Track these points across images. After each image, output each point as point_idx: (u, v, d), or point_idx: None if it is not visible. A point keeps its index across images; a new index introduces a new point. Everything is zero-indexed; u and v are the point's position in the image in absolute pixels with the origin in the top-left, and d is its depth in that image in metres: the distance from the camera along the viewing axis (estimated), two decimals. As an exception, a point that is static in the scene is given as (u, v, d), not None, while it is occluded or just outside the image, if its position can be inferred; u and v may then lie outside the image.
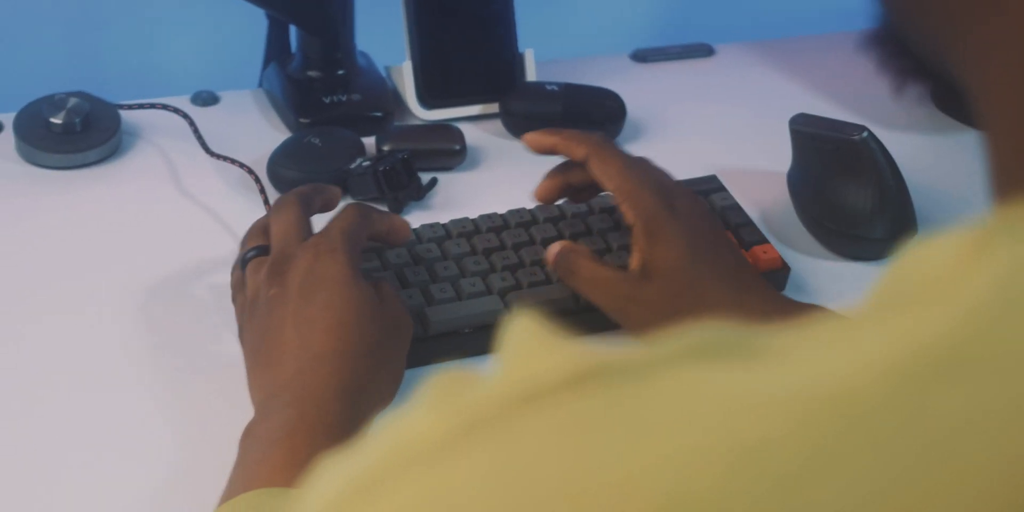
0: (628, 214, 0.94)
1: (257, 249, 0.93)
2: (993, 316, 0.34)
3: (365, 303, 0.86)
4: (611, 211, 1.05)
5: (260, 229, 0.95)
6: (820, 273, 1.08)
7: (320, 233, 0.91)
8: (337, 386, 0.81)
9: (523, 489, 0.33)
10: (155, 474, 0.87)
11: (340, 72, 1.21)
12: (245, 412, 0.89)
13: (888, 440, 0.32)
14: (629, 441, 0.33)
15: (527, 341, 0.37)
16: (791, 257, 1.08)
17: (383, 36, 1.26)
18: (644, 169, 0.97)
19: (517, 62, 1.23)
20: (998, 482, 0.31)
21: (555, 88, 1.20)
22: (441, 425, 0.35)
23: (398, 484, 0.34)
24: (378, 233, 0.95)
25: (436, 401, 0.37)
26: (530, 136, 1.00)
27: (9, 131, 1.17)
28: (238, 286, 0.94)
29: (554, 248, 0.96)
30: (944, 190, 1.17)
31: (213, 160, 1.15)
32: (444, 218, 1.06)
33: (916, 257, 0.37)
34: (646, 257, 0.93)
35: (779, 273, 1.05)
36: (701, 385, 0.34)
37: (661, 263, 0.92)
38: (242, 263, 0.94)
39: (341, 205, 0.97)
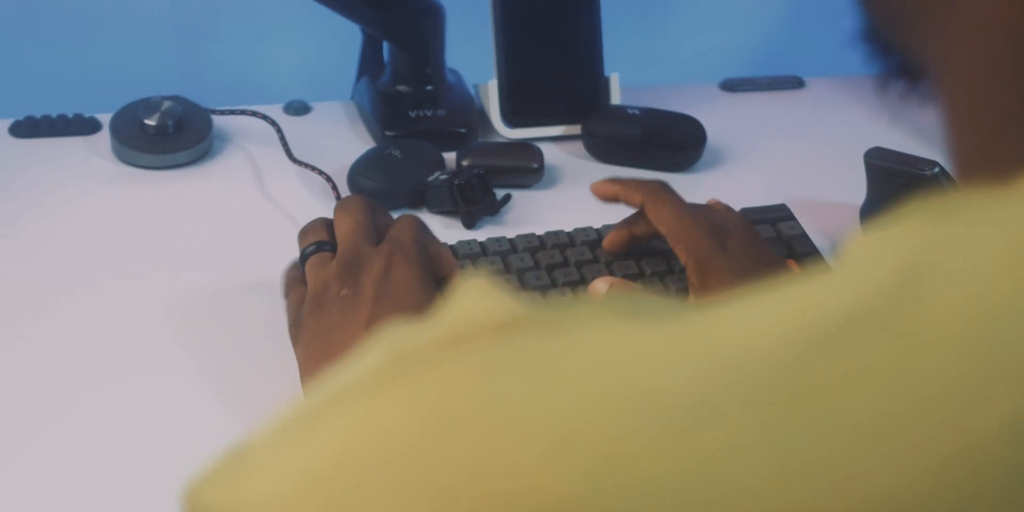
0: (681, 255, 0.96)
1: (318, 245, 0.95)
2: (894, 291, 0.36)
3: None
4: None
5: (320, 226, 0.97)
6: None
7: (393, 240, 0.92)
8: None
9: (435, 424, 0.35)
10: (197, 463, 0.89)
11: (428, 88, 1.24)
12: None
13: (772, 393, 0.34)
14: (533, 384, 0.35)
15: (471, 293, 0.40)
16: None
17: (475, 53, 1.28)
18: (698, 213, 0.99)
19: (602, 85, 1.25)
20: (863, 434, 0.33)
21: (637, 112, 1.22)
22: (378, 364, 0.38)
23: (332, 415, 0.37)
24: (431, 256, 0.95)
25: (379, 345, 0.39)
26: (594, 185, 1.04)
27: (106, 130, 1.21)
28: (293, 283, 0.96)
29: (602, 285, 0.97)
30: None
31: (297, 167, 1.18)
32: (514, 235, 1.08)
33: (855, 241, 0.39)
34: (698, 295, 0.94)
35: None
36: (609, 337, 0.36)
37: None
38: (301, 258, 0.95)
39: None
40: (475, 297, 0.40)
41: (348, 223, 0.94)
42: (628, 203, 1.02)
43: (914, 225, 0.38)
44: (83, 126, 1.23)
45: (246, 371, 0.97)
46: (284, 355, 0.97)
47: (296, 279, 0.96)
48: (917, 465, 0.33)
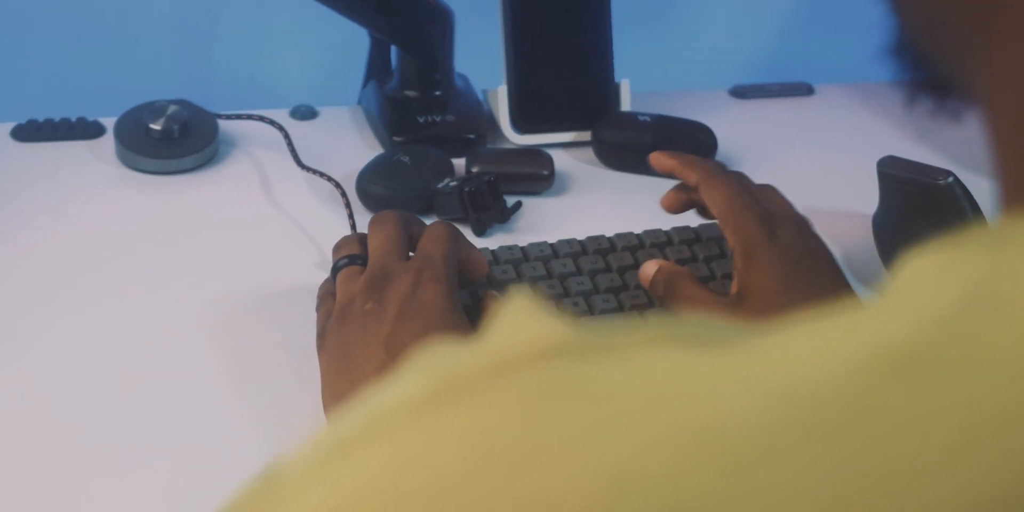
0: (730, 239, 0.96)
1: (350, 258, 0.94)
2: (955, 323, 0.35)
3: (460, 337, 0.86)
4: (690, 243, 1.05)
5: (354, 240, 0.96)
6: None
7: (423, 256, 0.91)
8: None
9: (482, 455, 0.34)
10: (228, 474, 0.88)
11: (437, 93, 1.23)
12: (311, 418, 0.90)
13: (839, 430, 0.33)
14: (586, 415, 0.34)
15: (515, 315, 0.38)
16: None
17: (484, 58, 1.27)
18: (751, 198, 0.98)
19: (612, 92, 1.24)
20: (934, 472, 0.32)
21: (647, 119, 1.21)
22: (420, 389, 0.37)
23: (372, 444, 0.36)
24: (461, 260, 0.95)
25: (420, 368, 0.38)
26: (655, 156, 1.04)
27: (110, 135, 1.20)
28: (326, 296, 0.95)
29: (650, 267, 0.98)
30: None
31: (304, 173, 1.17)
32: (525, 242, 1.06)
33: (911, 265, 0.38)
34: (742, 281, 0.94)
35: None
36: (666, 366, 0.35)
37: (755, 287, 0.93)
38: (333, 271, 0.95)
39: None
40: (521, 320, 0.38)
41: (379, 238, 0.94)
42: (684, 180, 1.02)
43: (972, 253, 0.37)
44: (86, 130, 1.21)
45: (258, 381, 0.96)
46: (299, 365, 0.97)
47: (328, 293, 0.96)
48: (977, 499, 0.32)
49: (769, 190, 1.03)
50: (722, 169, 1.01)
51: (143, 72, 1.42)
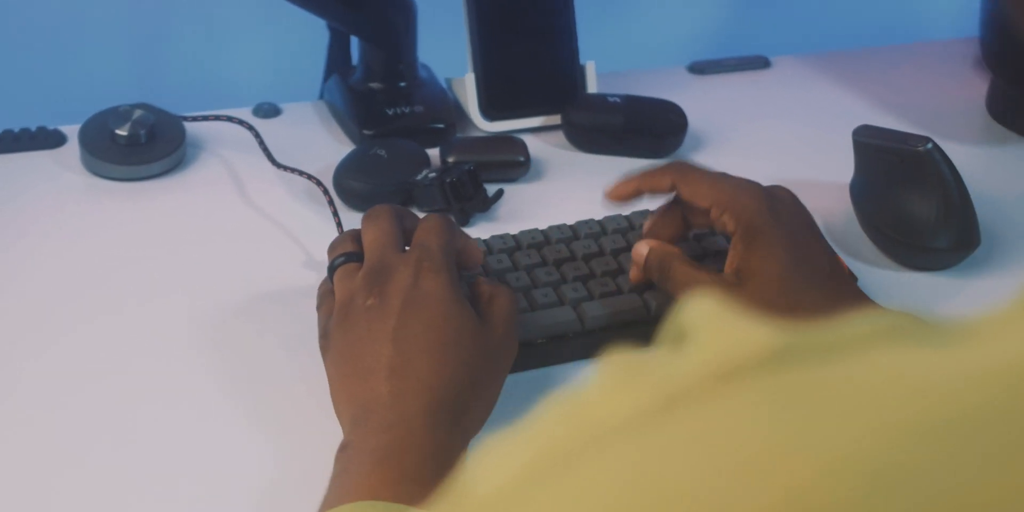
0: (729, 222, 0.93)
1: (347, 256, 0.93)
2: None
3: (467, 326, 0.86)
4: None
5: (349, 237, 0.95)
6: (886, 283, 1.08)
7: (420, 248, 0.90)
8: (438, 410, 0.81)
9: (723, 461, 0.33)
10: (241, 482, 0.88)
11: (402, 84, 1.22)
12: (319, 422, 0.89)
13: None
14: (828, 413, 0.34)
15: (713, 321, 0.38)
16: (856, 267, 1.08)
17: (441, 48, 1.26)
18: (735, 179, 0.97)
19: (579, 74, 1.24)
20: None
21: (617, 100, 1.21)
22: (633, 402, 0.36)
23: (591, 457, 0.35)
24: (457, 250, 0.94)
25: (618, 381, 0.38)
26: (610, 191, 0.99)
27: (73, 143, 1.18)
28: (325, 295, 0.94)
29: (643, 248, 0.96)
30: (1003, 199, 1.17)
31: (277, 171, 1.15)
32: (509, 229, 1.06)
33: None
34: (742, 262, 0.92)
35: (851, 279, 1.05)
36: (896, 364, 0.35)
37: (757, 268, 0.91)
38: (330, 270, 0.93)
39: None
40: (726, 326, 0.38)
41: (374, 232, 0.92)
42: (657, 190, 0.98)
43: None
44: (48, 139, 1.19)
45: (261, 387, 0.95)
46: (301, 367, 0.96)
47: (328, 292, 0.94)
48: None
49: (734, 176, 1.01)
50: (690, 163, 0.99)
51: (95, 77, 1.40)
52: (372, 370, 0.84)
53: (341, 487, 0.77)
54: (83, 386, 0.94)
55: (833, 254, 0.98)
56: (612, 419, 0.36)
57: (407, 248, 0.92)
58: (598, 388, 0.38)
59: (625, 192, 0.98)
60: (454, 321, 0.86)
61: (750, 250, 0.92)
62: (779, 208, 0.94)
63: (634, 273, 0.98)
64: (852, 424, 0.33)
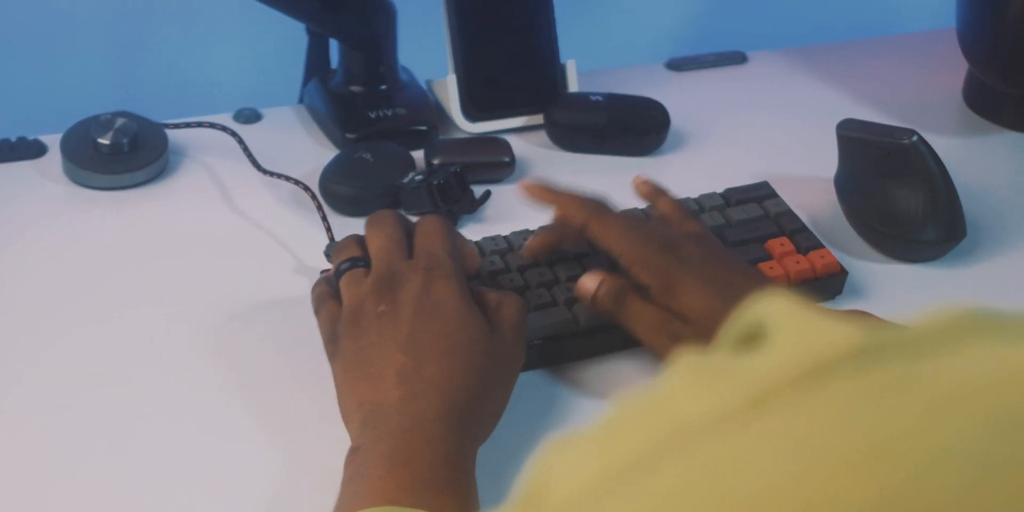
0: (641, 276, 0.93)
1: (351, 261, 0.93)
2: None
3: (478, 333, 0.86)
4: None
5: (353, 242, 0.95)
6: (875, 276, 1.08)
7: (426, 254, 0.90)
8: (450, 416, 0.82)
9: (817, 458, 0.34)
10: (247, 491, 0.87)
11: (382, 87, 1.22)
12: (317, 427, 0.89)
13: None
14: (928, 411, 0.34)
15: (792, 319, 0.39)
16: (844, 260, 1.09)
17: (420, 49, 1.26)
18: (644, 228, 0.97)
19: (560, 73, 1.24)
20: None
21: (600, 99, 1.21)
22: (718, 402, 0.37)
23: (680, 457, 0.35)
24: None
25: (697, 381, 0.38)
26: (528, 185, 1.00)
27: (54, 153, 1.17)
28: (324, 298, 0.94)
29: (591, 282, 0.96)
30: (984, 188, 1.18)
31: (261, 177, 1.15)
32: (497, 230, 1.06)
33: None
34: (675, 308, 0.92)
35: (837, 277, 1.05)
36: (988, 356, 0.35)
37: (690, 310, 0.92)
38: (336, 275, 0.93)
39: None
40: (805, 323, 0.38)
41: (380, 238, 0.92)
42: (566, 221, 0.98)
43: None
44: (28, 150, 1.18)
45: (260, 395, 0.95)
46: (298, 373, 0.96)
47: (326, 295, 0.94)
48: None
49: (636, 184, 1.03)
50: (607, 206, 0.98)
51: (71, 86, 1.39)
52: (383, 375, 0.84)
53: (355, 491, 0.77)
54: (73, 396, 0.94)
55: (754, 270, 0.98)
56: (698, 419, 0.36)
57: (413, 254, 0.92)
58: (675, 389, 0.38)
59: (543, 199, 0.99)
60: (465, 328, 0.86)
61: (673, 296, 0.92)
62: (685, 253, 0.94)
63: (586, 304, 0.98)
64: (952, 416, 0.33)
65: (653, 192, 1.04)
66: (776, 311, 0.39)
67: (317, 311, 0.94)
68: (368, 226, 0.94)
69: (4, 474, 0.88)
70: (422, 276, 0.88)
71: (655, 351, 0.94)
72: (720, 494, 0.34)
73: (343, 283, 0.92)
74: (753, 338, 0.39)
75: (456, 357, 0.84)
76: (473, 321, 0.87)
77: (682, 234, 0.98)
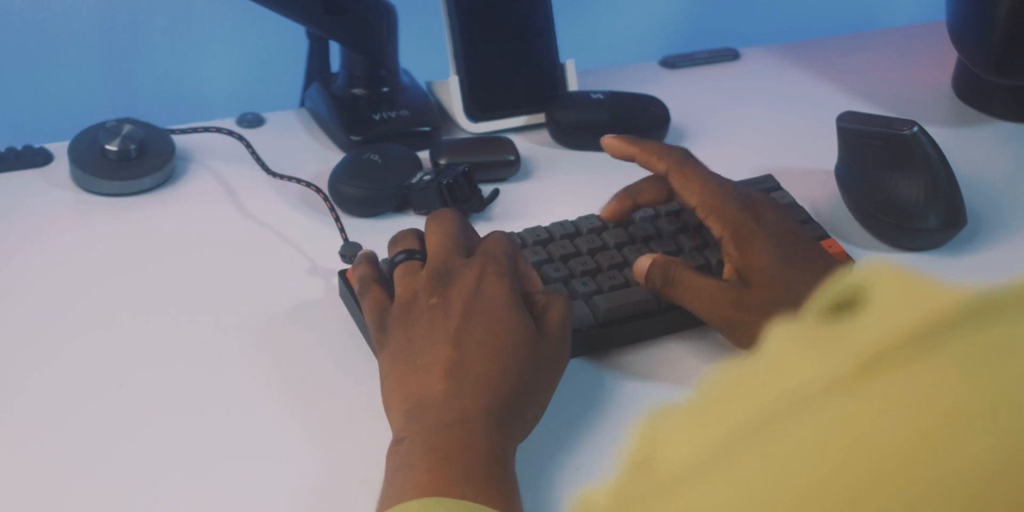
0: (715, 227, 0.96)
1: (407, 252, 0.94)
2: None
3: (525, 334, 0.87)
4: (677, 213, 1.07)
5: (412, 234, 0.96)
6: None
7: (485, 253, 0.91)
8: (495, 413, 0.83)
9: (938, 415, 0.35)
10: (262, 491, 0.88)
11: (384, 89, 1.23)
12: (342, 423, 0.91)
13: None
14: None
15: (896, 282, 0.40)
16: (847, 250, 1.11)
17: (418, 50, 1.27)
18: (726, 183, 0.99)
19: (559, 72, 1.25)
20: None
21: (600, 96, 1.22)
22: (829, 365, 0.38)
23: (798, 422, 0.37)
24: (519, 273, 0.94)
25: (801, 349, 0.39)
26: (610, 140, 1.03)
27: (60, 160, 1.17)
28: (366, 280, 0.94)
29: (644, 262, 0.98)
30: (980, 177, 1.20)
31: (268, 180, 1.16)
32: (506, 228, 1.07)
33: None
34: (740, 265, 0.95)
35: (844, 266, 1.07)
36: None
37: (757, 269, 0.94)
38: (391, 265, 0.94)
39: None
40: (909, 284, 0.40)
41: (439, 234, 0.93)
42: (649, 169, 1.01)
43: None
44: (35, 158, 1.18)
45: (274, 394, 0.96)
46: (326, 372, 0.97)
47: (370, 278, 0.94)
48: None
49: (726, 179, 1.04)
50: (690, 157, 1.01)
51: (70, 94, 1.39)
52: (429, 368, 0.85)
53: (403, 484, 0.78)
54: (84, 402, 0.95)
55: (826, 251, 1.00)
56: (809, 384, 0.37)
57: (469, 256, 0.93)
58: (778, 357, 0.39)
59: (622, 151, 1.02)
60: (514, 328, 0.87)
61: (743, 251, 0.95)
62: (762, 213, 0.97)
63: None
64: None
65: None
66: (880, 276, 0.41)
67: (362, 294, 0.94)
68: (430, 221, 0.95)
69: (18, 481, 0.88)
70: (477, 273, 0.89)
71: (713, 322, 0.96)
72: (844, 454, 0.35)
73: (398, 274, 0.93)
74: (848, 305, 0.41)
75: (503, 356, 0.85)
76: (521, 322, 0.88)
77: (762, 196, 1.00)
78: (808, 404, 0.37)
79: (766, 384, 0.39)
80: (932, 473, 0.34)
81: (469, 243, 0.94)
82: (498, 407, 0.83)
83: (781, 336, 0.40)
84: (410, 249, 0.94)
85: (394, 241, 0.97)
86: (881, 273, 0.41)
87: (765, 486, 0.36)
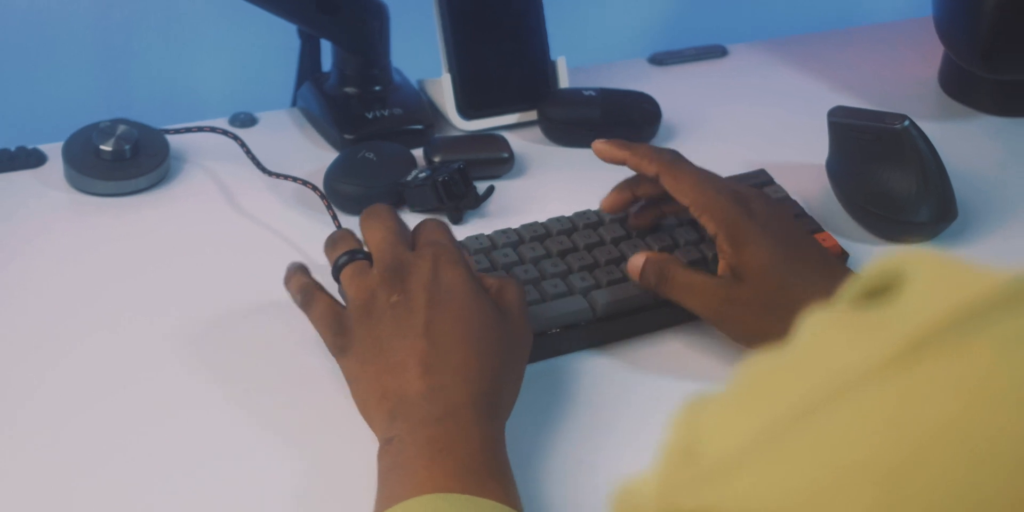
0: (709, 224, 0.97)
1: (350, 254, 0.93)
2: None
3: (490, 317, 0.88)
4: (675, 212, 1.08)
5: (348, 235, 0.96)
6: (870, 257, 1.11)
7: (431, 243, 0.91)
8: (479, 401, 0.83)
9: (986, 395, 0.36)
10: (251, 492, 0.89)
11: (377, 88, 1.23)
12: (339, 423, 0.91)
13: None
14: None
15: (934, 265, 0.40)
16: (840, 244, 1.11)
17: (404, 51, 1.28)
18: (717, 181, 1.00)
19: (551, 70, 1.26)
20: None
21: (592, 93, 1.23)
22: (873, 349, 0.38)
23: (846, 404, 0.37)
24: None
25: (844, 333, 0.39)
26: (600, 145, 1.03)
27: (54, 161, 1.17)
28: (308, 290, 0.93)
29: (638, 260, 0.99)
30: (970, 172, 1.21)
31: (265, 179, 1.16)
32: (501, 225, 1.08)
33: None
34: (734, 262, 0.95)
35: (839, 259, 1.08)
36: None
37: (751, 265, 0.95)
38: (335, 269, 0.93)
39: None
40: (947, 267, 0.40)
41: (380, 230, 0.93)
42: (641, 172, 1.02)
43: None
44: (28, 159, 1.18)
45: (271, 394, 0.96)
46: (313, 372, 0.97)
47: (312, 286, 0.94)
48: None
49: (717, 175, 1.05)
50: (679, 157, 1.02)
51: (62, 95, 1.39)
52: (405, 365, 0.84)
53: (399, 483, 0.78)
54: (83, 405, 0.95)
55: (820, 245, 1.01)
56: (854, 368, 0.38)
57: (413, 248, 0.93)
58: (818, 343, 0.40)
59: (613, 155, 1.03)
60: (479, 313, 0.87)
61: (737, 248, 0.96)
62: (755, 209, 0.97)
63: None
64: None
65: None
66: (918, 261, 0.41)
67: (306, 305, 0.93)
68: (365, 219, 0.94)
69: (19, 485, 0.88)
70: (430, 263, 0.89)
71: (708, 317, 0.97)
72: (888, 435, 0.36)
73: (346, 276, 0.92)
74: (884, 291, 0.41)
75: (475, 343, 0.85)
76: (485, 305, 0.88)
77: (754, 191, 1.01)
78: (852, 388, 0.38)
79: (808, 370, 0.39)
80: (974, 453, 0.35)
81: (407, 235, 0.94)
82: (482, 394, 0.84)
83: (819, 323, 0.41)
84: (351, 250, 0.93)
85: (331, 244, 0.95)
86: (920, 259, 0.41)
87: (814, 469, 0.37)
